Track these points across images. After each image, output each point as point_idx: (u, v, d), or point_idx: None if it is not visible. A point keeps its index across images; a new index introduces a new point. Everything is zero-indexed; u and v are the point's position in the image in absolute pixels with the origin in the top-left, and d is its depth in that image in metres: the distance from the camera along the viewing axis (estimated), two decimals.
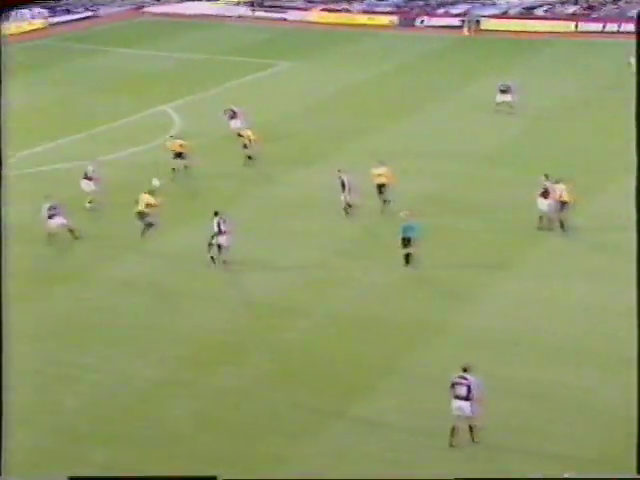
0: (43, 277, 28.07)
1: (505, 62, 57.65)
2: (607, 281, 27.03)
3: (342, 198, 32.20)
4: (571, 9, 70.68)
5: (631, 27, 66.03)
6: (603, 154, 38.81)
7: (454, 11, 73.02)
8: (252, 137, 38.27)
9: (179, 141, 37.02)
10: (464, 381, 18.94)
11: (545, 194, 30.43)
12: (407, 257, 28.04)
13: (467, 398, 18.79)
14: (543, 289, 26.81)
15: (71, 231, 30.43)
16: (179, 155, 36.61)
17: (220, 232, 28.44)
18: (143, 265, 28.83)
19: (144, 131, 43.05)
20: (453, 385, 19.08)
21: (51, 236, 30.16)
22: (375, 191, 32.39)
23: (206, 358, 23.25)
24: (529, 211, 30.98)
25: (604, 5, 70.74)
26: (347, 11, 75.30)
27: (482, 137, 41.54)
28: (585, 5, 71.30)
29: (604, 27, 67.15)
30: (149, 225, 30.29)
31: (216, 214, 28.59)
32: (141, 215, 30.21)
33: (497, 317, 25.22)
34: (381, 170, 32.48)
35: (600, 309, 25.50)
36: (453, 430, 19.09)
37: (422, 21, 71.63)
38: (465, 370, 19.13)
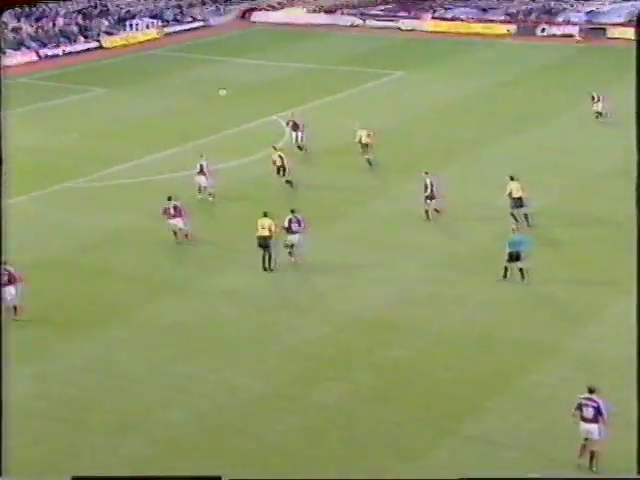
0: (153, 284, 28.87)
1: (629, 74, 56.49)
2: None
3: (424, 202, 32.66)
4: None
5: None
6: None
7: (574, 19, 71.98)
8: (369, 140, 38.92)
9: (279, 152, 37.38)
10: (591, 402, 18.66)
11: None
12: (520, 271, 27.86)
13: (595, 420, 18.53)
14: None
15: (186, 235, 31.37)
16: (281, 167, 36.99)
17: (290, 231, 29.31)
18: (246, 277, 29.26)
19: (254, 141, 43.85)
20: (580, 407, 18.78)
21: (172, 233, 31.27)
22: (509, 204, 32.22)
23: (312, 373, 23.50)
24: None
25: None
26: (461, 20, 75.10)
27: (601, 151, 40.89)
28: None
29: None
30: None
31: (292, 212, 29.62)
32: (265, 240, 29.26)
33: (612, 339, 24.76)
34: (514, 185, 32.19)
35: None
36: (583, 447, 18.84)
37: (543, 30, 70.83)
38: (592, 391, 18.83)
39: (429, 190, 32.69)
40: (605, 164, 39.05)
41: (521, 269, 27.84)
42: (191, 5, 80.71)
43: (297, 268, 29.48)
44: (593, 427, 18.63)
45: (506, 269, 27.96)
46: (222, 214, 34.80)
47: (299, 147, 41.21)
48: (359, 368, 23.70)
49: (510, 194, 32.15)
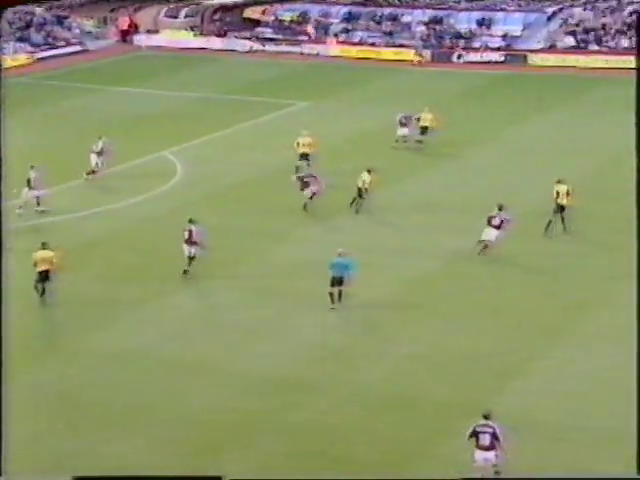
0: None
1: (555, 101, 58.50)
2: None
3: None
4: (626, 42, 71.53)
5: None
6: None
7: (493, 45, 74.01)
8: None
9: None
10: (487, 429, 19.91)
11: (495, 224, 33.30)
12: (339, 295, 29.46)
13: (492, 447, 19.86)
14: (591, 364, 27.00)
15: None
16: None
17: (190, 242, 31.50)
18: (135, 334, 29.09)
19: (142, 179, 43.72)
20: (476, 434, 19.99)
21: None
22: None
23: (209, 442, 23.39)
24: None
25: None
26: (371, 44, 76.52)
27: (520, 188, 42.06)
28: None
29: None
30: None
31: (190, 221, 31.77)
32: (44, 274, 30.58)
33: (540, 395, 25.39)
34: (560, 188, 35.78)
35: None
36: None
37: (459, 56, 72.61)
38: (487, 417, 20.15)
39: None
40: (527, 202, 40.08)
41: (340, 292, 29.35)
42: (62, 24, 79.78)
43: (187, 326, 29.39)
44: (490, 454, 19.88)
45: (331, 294, 29.53)
46: (112, 262, 34.50)
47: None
48: (266, 434, 23.69)
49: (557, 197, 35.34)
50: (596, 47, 71.75)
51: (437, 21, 77.56)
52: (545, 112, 56.10)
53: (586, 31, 73.29)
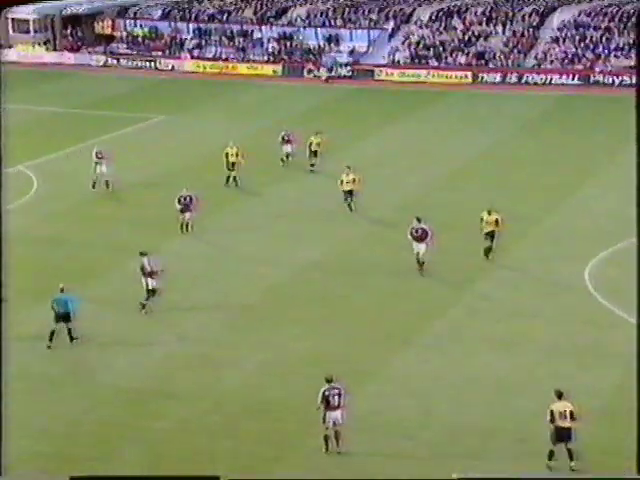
0: None
1: (400, 114, 59.33)
2: (512, 350, 27.75)
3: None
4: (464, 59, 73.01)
5: (532, 78, 69.01)
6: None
7: (341, 60, 74.59)
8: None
9: None
10: (335, 390, 21.89)
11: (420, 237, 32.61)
12: (68, 332, 27.72)
13: (339, 406, 21.92)
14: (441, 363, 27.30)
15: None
16: None
17: (147, 274, 29.67)
18: None
19: None
20: (326, 398, 21.82)
21: None
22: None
23: (67, 454, 22.62)
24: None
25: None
26: (223, 59, 76.15)
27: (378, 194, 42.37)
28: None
29: (504, 78, 69.76)
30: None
31: (142, 254, 30.09)
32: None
33: (393, 397, 25.49)
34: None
35: (506, 382, 26.05)
36: (328, 436, 21.91)
37: (310, 71, 72.94)
38: (330, 380, 21.98)
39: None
40: (375, 209, 40.41)
41: (69, 329, 27.60)
42: None
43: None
44: (337, 413, 21.88)
45: (52, 332, 27.74)
46: None
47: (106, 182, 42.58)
48: (126, 444, 23.09)
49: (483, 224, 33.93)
50: (436, 63, 73.05)
51: (287, 37, 77.75)
52: (392, 124, 56.76)
53: (426, 48, 74.59)
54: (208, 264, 34.70)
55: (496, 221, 33.66)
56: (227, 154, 43.52)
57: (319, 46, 76.41)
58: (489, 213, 33.84)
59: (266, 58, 75.72)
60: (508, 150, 51.12)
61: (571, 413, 21.19)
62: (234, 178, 43.33)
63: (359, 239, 37.33)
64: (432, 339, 28.98)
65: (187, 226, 37.25)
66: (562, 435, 21.19)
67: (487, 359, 27.46)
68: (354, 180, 39.13)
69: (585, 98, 64.78)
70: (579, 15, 75.36)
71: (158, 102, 63.40)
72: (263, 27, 79.12)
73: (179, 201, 37.13)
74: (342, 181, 39.30)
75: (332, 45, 76.57)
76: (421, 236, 32.63)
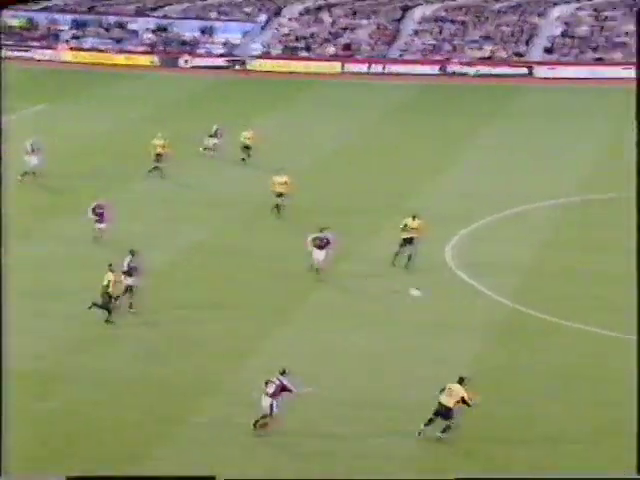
0: None
1: (274, 103, 59.36)
2: (382, 328, 28.21)
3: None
4: (332, 49, 73.43)
5: (397, 68, 69.97)
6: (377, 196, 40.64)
7: (217, 51, 74.19)
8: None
9: None
10: (277, 382, 22.01)
11: (321, 245, 31.30)
12: None
13: (273, 395, 22.02)
14: (318, 339, 27.58)
15: None
16: None
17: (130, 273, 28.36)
18: None
19: None
20: (267, 383, 22.13)
21: None
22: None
23: None
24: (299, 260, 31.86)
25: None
26: (100, 50, 74.71)
27: (245, 185, 42.21)
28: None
29: (369, 68, 70.49)
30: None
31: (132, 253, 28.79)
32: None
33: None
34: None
35: (377, 356, 26.48)
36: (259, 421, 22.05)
37: (186, 61, 72.25)
38: (283, 373, 22.11)
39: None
40: (261, 197, 40.44)
41: None
42: None
43: None
44: (269, 401, 21.98)
45: None
46: None
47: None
48: (14, 425, 22.58)
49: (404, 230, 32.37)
50: (306, 54, 73.29)
51: (162, 29, 76.78)
52: (264, 113, 56.73)
53: (297, 39, 74.75)
54: (92, 249, 34.03)
55: (417, 227, 32.38)
56: (154, 145, 42.14)
57: (194, 38, 75.81)
58: (413, 218, 32.45)
59: (142, 49, 74.67)
60: (373, 137, 51.76)
61: (462, 398, 21.74)
62: (155, 168, 42.02)
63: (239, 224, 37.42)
64: (308, 317, 29.24)
65: (101, 237, 34.44)
66: (441, 412, 21.81)
67: (358, 335, 27.83)
68: (286, 182, 37.17)
69: (444, 87, 66.02)
70: (438, 10, 76.72)
71: (35, 92, 61.69)
72: (140, 19, 77.94)
73: (93, 211, 34.32)
74: (274, 183, 37.40)
75: (207, 37, 76.05)
76: (322, 245, 31.41)
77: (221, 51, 74.24)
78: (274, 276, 31.90)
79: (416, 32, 74.32)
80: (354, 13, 77.06)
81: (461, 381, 22.06)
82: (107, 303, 27.91)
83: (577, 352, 26.99)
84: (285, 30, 76.12)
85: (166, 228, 36.37)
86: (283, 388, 22.05)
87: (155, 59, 72.83)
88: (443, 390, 21.99)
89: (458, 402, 21.80)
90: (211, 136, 46.15)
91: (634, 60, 66.19)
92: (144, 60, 72.82)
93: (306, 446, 21.86)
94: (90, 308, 28.00)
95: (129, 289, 28.71)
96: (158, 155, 42.30)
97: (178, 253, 33.85)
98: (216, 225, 36.98)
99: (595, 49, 70.09)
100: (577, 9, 75.55)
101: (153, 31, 76.46)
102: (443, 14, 76.19)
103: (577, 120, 55.60)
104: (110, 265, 28.04)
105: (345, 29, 75.29)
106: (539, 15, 75.13)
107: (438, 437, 21.86)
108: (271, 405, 22.03)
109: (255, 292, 30.70)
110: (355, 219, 37.07)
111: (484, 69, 68.52)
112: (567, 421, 23.13)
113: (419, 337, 27.69)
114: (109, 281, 27.77)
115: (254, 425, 22.09)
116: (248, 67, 71.40)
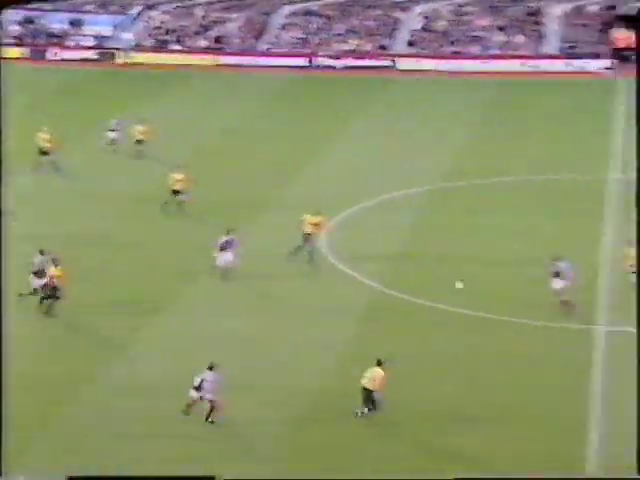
0: None
1: (153, 96, 58.83)
2: (265, 315, 28.60)
3: None
4: (204, 42, 73.04)
5: (267, 61, 70.14)
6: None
7: (85, 43, 72.86)
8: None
9: None
10: (205, 377, 22.41)
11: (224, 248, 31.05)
12: None
13: (198, 389, 22.63)
14: (200, 327, 27.77)
15: None
16: None
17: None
18: None
19: None
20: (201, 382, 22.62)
21: None
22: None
23: None
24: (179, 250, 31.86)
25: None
26: None
27: (134, 177, 41.90)
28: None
29: (240, 61, 70.42)
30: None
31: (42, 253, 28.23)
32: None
33: (152, 360, 25.74)
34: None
35: (249, 340, 26.87)
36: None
37: (55, 53, 70.77)
38: (211, 368, 22.50)
39: None
40: (147, 190, 40.10)
41: None
42: None
43: None
44: (196, 394, 22.51)
45: None
46: None
47: None
48: None
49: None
50: (178, 47, 72.72)
51: (30, 21, 74.95)
52: (136, 106, 55.73)
53: (167, 32, 74.15)
54: None
55: (317, 223, 32.53)
56: (40, 139, 41.00)
57: (63, 30, 74.28)
58: (314, 214, 32.62)
59: (11, 41, 72.68)
60: (245, 128, 51.78)
61: (382, 379, 22.42)
62: (44, 161, 40.90)
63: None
64: (186, 304, 29.39)
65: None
66: (364, 394, 22.52)
67: (234, 321, 28.10)
68: (182, 179, 36.82)
69: (310, 78, 66.50)
70: (307, 2, 77.33)
71: None
72: (7, 11, 75.78)
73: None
74: (171, 179, 36.96)
75: (76, 29, 74.63)
76: (226, 246, 31.08)
77: (91, 43, 72.95)
78: (149, 268, 31.93)
79: (283, 26, 74.70)
80: (225, 7, 76.92)
81: (379, 363, 22.64)
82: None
83: (444, 332, 27.84)
84: (156, 23, 75.38)
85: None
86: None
87: (25, 51, 70.91)
88: (367, 377, 22.51)
89: (379, 384, 22.47)
90: (111, 130, 45.61)
91: (490, 53, 68.89)
92: (14, 52, 70.66)
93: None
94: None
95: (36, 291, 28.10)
96: (44, 150, 41.13)
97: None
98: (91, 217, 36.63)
99: (453, 43, 71.82)
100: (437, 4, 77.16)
101: (20, 23, 74.53)
102: (311, 8, 76.81)
103: (443, 110, 56.83)
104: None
105: (216, 22, 75.06)
106: (402, 10, 76.47)
107: (357, 413, 22.51)
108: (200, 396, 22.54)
109: (131, 285, 30.64)
110: (241, 212, 36.88)
111: (350, 62, 69.40)
112: (435, 398, 23.93)
113: (291, 322, 28.15)
114: None
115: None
116: (119, 60, 70.36)
